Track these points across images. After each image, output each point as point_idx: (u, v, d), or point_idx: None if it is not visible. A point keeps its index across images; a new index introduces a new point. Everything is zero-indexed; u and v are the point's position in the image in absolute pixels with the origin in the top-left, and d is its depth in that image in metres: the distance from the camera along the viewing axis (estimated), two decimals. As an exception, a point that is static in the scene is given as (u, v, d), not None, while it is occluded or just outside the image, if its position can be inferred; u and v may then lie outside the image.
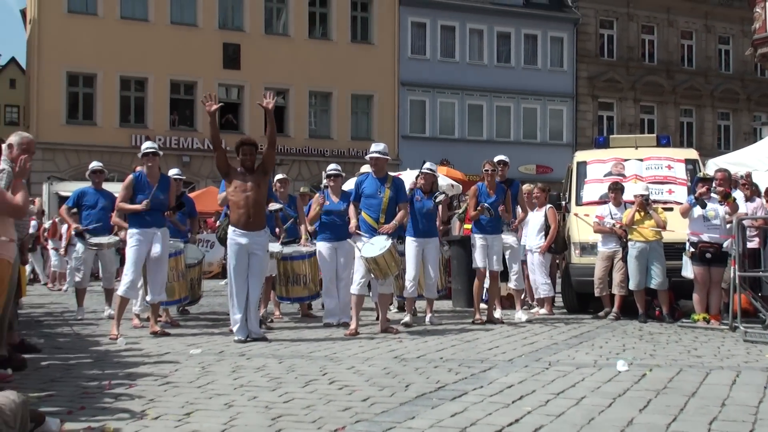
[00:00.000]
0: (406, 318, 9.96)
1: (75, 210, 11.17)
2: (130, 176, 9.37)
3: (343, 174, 11.06)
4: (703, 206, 10.19)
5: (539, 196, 12.02)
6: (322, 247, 10.26)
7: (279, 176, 11.59)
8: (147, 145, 9.43)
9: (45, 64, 29.95)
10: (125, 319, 9.49)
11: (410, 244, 10.01)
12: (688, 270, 10.34)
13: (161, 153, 9.66)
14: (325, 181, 10.77)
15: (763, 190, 11.45)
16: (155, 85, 31.22)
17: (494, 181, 10.43)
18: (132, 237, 9.09)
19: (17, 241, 5.94)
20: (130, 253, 9.09)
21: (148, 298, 9.42)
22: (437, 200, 10.17)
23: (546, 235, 11.79)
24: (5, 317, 6.37)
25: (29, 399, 4.58)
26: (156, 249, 9.13)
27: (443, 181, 18.92)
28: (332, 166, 10.80)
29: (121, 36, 30.30)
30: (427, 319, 10.33)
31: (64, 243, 16.38)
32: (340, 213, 10.09)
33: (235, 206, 8.68)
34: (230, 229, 8.71)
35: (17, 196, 5.44)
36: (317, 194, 10.53)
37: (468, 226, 11.59)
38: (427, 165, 10.56)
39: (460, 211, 13.21)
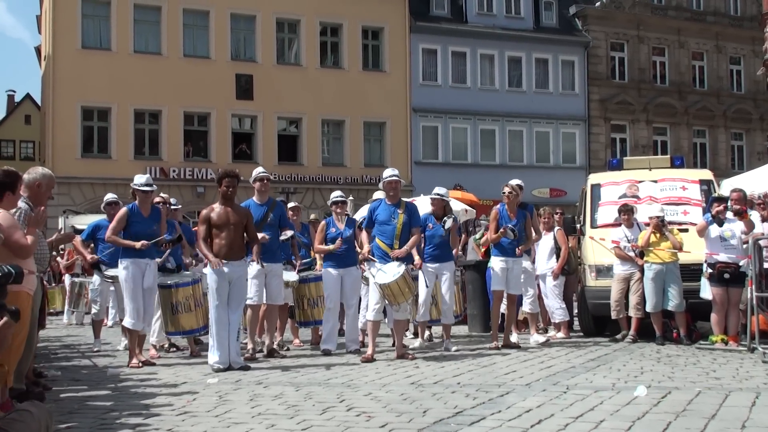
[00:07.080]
0: (416, 343, 9.89)
1: (90, 243, 11.22)
2: (124, 209, 9.29)
3: (347, 200, 10.95)
4: (720, 224, 10.16)
5: (548, 219, 11.96)
6: (327, 273, 10.18)
7: (291, 204, 11.62)
8: (143, 181, 9.33)
9: (60, 99, 30.26)
10: (143, 349, 9.50)
11: (424, 269, 9.91)
12: (707, 291, 10.28)
13: (155, 187, 9.64)
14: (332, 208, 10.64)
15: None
16: (169, 118, 31.44)
17: (515, 205, 10.40)
18: (126, 269, 9.10)
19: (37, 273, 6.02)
20: (125, 285, 9.14)
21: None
22: (446, 226, 10.05)
23: (557, 257, 11.72)
24: (31, 350, 6.41)
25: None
26: (148, 280, 9.19)
27: (458, 205, 18.92)
28: (337, 192, 10.64)
29: (135, 70, 30.56)
30: (444, 344, 10.28)
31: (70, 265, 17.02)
32: (346, 240, 10.09)
33: (216, 236, 8.71)
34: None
35: (28, 238, 5.63)
36: (322, 222, 10.48)
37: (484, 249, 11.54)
38: (437, 190, 10.39)
39: (477, 235, 13.18)
